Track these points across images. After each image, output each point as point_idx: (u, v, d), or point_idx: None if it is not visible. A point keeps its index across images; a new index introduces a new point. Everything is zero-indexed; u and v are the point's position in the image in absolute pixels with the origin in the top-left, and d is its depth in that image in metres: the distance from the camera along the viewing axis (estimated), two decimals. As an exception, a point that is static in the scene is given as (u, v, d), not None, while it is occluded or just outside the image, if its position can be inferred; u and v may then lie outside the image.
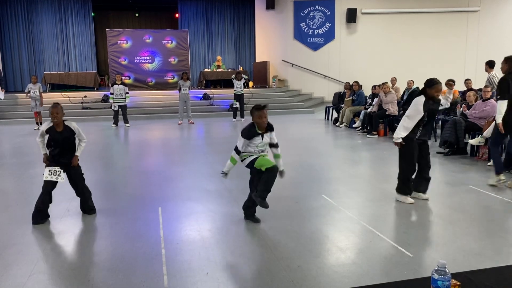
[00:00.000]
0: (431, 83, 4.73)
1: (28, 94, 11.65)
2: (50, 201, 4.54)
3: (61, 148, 4.51)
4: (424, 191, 5.11)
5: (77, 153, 4.63)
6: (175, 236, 4.07)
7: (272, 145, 4.29)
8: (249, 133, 4.10)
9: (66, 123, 4.52)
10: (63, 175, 4.52)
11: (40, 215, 4.43)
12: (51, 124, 4.48)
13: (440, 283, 1.80)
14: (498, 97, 5.45)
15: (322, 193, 5.40)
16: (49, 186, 4.48)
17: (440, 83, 4.77)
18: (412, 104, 4.78)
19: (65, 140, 4.52)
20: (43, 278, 3.27)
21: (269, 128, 4.19)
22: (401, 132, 4.79)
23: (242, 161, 4.20)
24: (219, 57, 17.89)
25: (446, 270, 1.82)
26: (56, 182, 4.49)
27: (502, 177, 5.57)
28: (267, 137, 4.15)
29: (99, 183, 6.08)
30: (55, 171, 4.47)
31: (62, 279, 3.27)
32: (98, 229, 4.28)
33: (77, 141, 4.66)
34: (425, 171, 5.05)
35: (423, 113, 4.71)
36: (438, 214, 4.62)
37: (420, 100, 4.72)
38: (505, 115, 5.37)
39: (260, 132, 4.11)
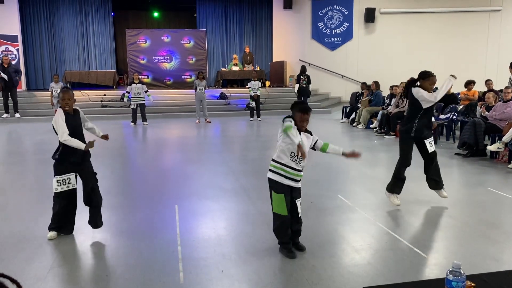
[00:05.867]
0: (426, 75, 4.63)
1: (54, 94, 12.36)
2: (74, 210, 4.09)
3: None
4: (437, 188, 4.92)
5: (101, 133, 4.15)
6: (191, 233, 4.12)
7: (315, 143, 3.83)
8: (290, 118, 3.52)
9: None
10: (73, 179, 3.93)
11: (63, 224, 4.01)
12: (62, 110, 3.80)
13: (455, 284, 1.79)
14: None
15: (338, 193, 5.39)
16: (64, 197, 3.92)
17: (435, 75, 4.64)
18: (415, 93, 4.60)
19: (79, 127, 3.89)
20: (62, 272, 3.35)
21: (309, 132, 3.75)
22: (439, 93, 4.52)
23: (270, 171, 3.58)
24: (235, 56, 17.92)
25: (461, 271, 1.81)
26: (74, 189, 3.98)
27: None
28: (305, 137, 3.65)
29: (118, 180, 6.19)
30: (64, 180, 3.88)
31: (80, 273, 3.35)
32: (116, 225, 4.36)
33: (84, 131, 4.05)
34: (429, 168, 4.86)
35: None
36: (455, 216, 4.56)
37: (419, 89, 4.59)
38: None
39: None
